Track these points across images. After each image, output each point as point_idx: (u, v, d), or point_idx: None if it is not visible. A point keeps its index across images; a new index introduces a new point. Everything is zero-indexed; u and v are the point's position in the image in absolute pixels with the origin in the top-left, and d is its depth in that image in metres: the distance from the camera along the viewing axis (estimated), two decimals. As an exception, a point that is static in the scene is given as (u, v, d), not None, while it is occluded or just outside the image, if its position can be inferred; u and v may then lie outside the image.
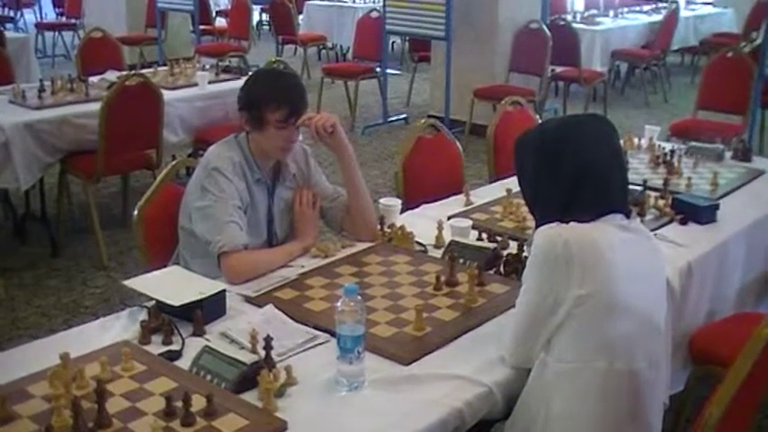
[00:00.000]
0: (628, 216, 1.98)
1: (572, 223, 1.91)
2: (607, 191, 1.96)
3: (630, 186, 3.07)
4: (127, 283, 2.28)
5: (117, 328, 2.14)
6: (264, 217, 2.68)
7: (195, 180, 2.59)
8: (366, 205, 2.76)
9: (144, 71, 5.21)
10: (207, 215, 2.50)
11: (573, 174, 1.93)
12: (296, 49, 10.50)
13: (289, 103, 2.54)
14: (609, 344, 1.86)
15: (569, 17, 8.83)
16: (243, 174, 2.60)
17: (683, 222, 2.92)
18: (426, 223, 2.82)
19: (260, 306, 2.24)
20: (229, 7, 10.95)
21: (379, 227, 2.77)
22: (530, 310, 1.93)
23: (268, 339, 1.91)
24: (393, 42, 10.66)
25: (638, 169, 3.50)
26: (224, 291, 2.22)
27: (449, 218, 2.87)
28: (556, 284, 1.86)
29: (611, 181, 1.97)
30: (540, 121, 2.21)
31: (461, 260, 2.49)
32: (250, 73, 5.56)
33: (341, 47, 10.72)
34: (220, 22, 10.62)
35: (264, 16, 12.64)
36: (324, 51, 11.26)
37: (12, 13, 12.28)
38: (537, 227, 1.99)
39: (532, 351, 1.94)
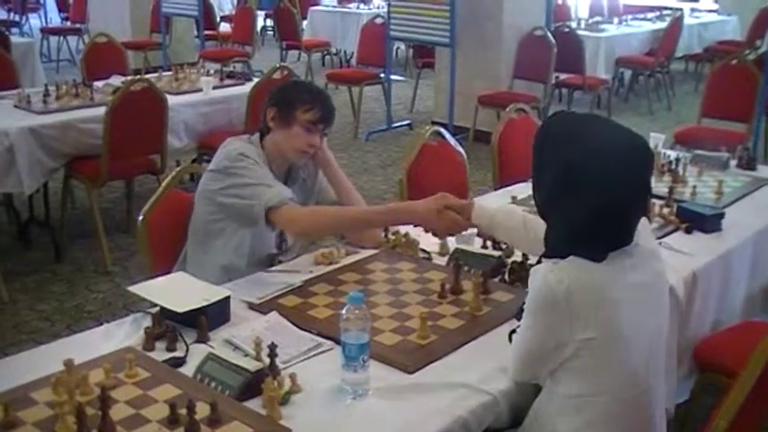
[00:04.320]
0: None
1: (572, 259, 1.80)
2: (625, 230, 1.85)
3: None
4: (131, 288, 2.27)
5: (121, 334, 2.14)
6: None
7: (216, 168, 2.55)
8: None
9: (148, 76, 5.21)
10: (244, 184, 2.46)
11: (592, 212, 1.79)
12: (300, 54, 10.52)
13: (322, 108, 2.59)
14: (616, 377, 1.84)
15: (573, 24, 8.85)
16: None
17: (688, 231, 2.91)
18: (431, 230, 2.81)
19: (264, 313, 2.24)
20: (234, 13, 10.99)
21: (383, 234, 2.76)
22: (531, 348, 1.89)
23: (272, 347, 1.91)
24: (397, 48, 10.67)
25: (643, 177, 3.49)
26: (228, 297, 2.21)
27: (453, 225, 2.86)
28: (557, 329, 1.81)
29: (631, 220, 1.85)
30: (570, 124, 1.94)
31: (466, 268, 2.48)
32: (255, 78, 5.59)
33: (345, 53, 10.74)
34: (225, 28, 10.65)
35: (269, 22, 12.66)
36: (328, 57, 11.29)
37: (17, 18, 12.30)
38: (546, 243, 1.91)
39: (537, 375, 1.92)
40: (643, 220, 1.98)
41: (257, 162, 2.53)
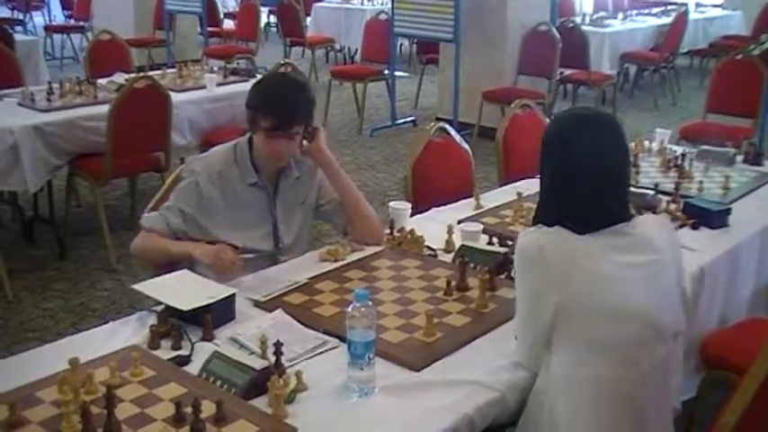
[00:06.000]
0: (630, 218, 1.95)
1: (555, 228, 1.90)
2: (597, 206, 1.92)
3: (642, 190, 3.08)
4: (136, 287, 2.27)
5: (126, 332, 2.14)
6: (267, 221, 2.67)
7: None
8: (366, 213, 2.74)
9: (152, 73, 5.21)
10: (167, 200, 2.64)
11: (559, 178, 1.95)
12: (304, 51, 10.51)
13: (275, 115, 2.50)
14: (602, 352, 1.85)
15: (578, 19, 8.80)
16: (225, 180, 2.60)
17: (695, 227, 2.89)
18: (436, 227, 2.80)
19: (269, 311, 2.23)
20: (237, 9, 10.97)
21: (388, 230, 2.75)
22: (522, 311, 1.97)
23: (278, 345, 1.90)
24: (401, 44, 10.65)
25: (649, 173, 3.48)
26: (233, 295, 2.21)
27: (459, 222, 2.86)
28: (536, 287, 1.89)
29: (600, 196, 1.92)
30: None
31: (472, 265, 2.47)
32: (258, 75, 5.58)
33: (349, 49, 10.71)
34: (228, 24, 10.62)
35: (272, 18, 12.63)
36: (332, 53, 11.27)
37: (21, 16, 12.30)
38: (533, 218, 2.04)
39: (537, 351, 1.93)
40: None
41: (198, 183, 2.58)
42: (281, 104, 2.53)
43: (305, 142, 2.64)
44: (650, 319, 1.90)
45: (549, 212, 1.97)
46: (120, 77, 5.27)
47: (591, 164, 1.91)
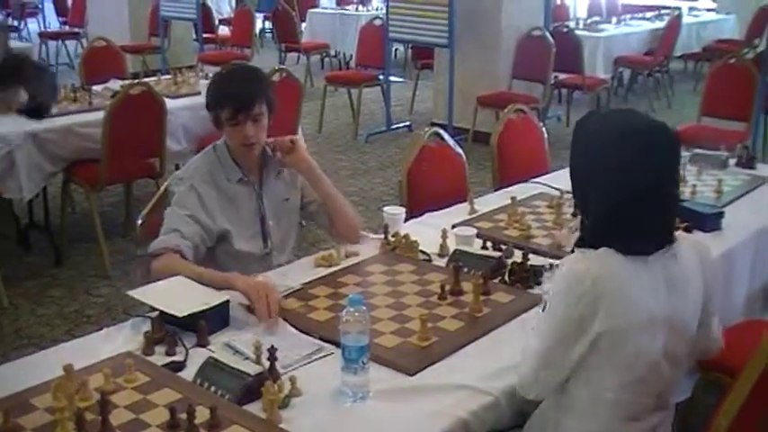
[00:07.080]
0: (673, 241, 1.88)
1: (603, 250, 1.81)
2: (646, 230, 1.83)
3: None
4: (131, 293, 2.27)
5: (120, 338, 2.14)
6: (255, 216, 2.69)
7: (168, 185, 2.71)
8: (348, 216, 2.78)
9: (147, 80, 5.21)
10: (167, 215, 2.58)
11: (609, 195, 1.83)
12: (299, 56, 10.50)
13: (232, 101, 2.56)
14: (627, 377, 1.83)
15: (572, 24, 8.85)
16: (216, 179, 2.63)
17: (688, 230, 2.89)
18: (430, 232, 2.81)
19: (264, 316, 2.23)
20: (232, 15, 10.99)
21: (382, 235, 2.76)
22: (553, 336, 1.83)
23: (272, 350, 1.90)
24: (396, 50, 10.67)
25: (643, 177, 3.49)
26: (228, 301, 2.21)
27: (453, 226, 2.86)
28: (580, 318, 1.78)
29: (652, 219, 1.84)
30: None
31: (466, 269, 2.48)
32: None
33: (344, 54, 10.73)
34: (223, 31, 10.64)
35: (267, 24, 12.66)
36: (327, 59, 11.28)
37: (16, 23, 12.30)
38: (581, 235, 1.93)
39: (554, 378, 1.86)
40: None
41: (193, 185, 2.57)
42: (234, 91, 2.59)
43: (278, 154, 2.68)
44: (674, 342, 1.87)
45: (596, 232, 1.86)
46: (114, 84, 5.27)
47: (647, 186, 1.80)
